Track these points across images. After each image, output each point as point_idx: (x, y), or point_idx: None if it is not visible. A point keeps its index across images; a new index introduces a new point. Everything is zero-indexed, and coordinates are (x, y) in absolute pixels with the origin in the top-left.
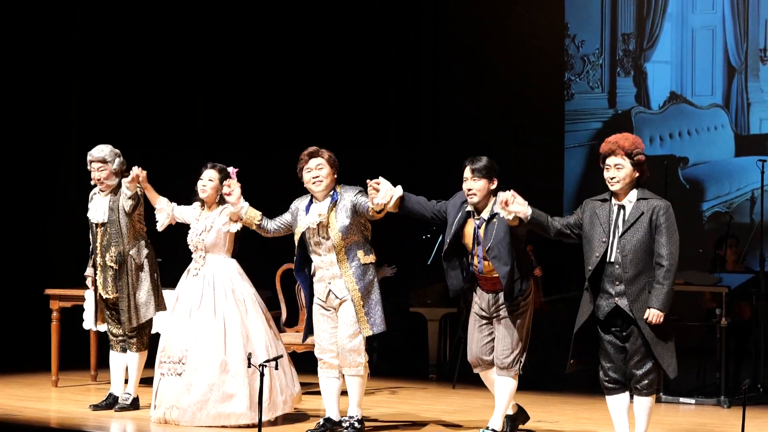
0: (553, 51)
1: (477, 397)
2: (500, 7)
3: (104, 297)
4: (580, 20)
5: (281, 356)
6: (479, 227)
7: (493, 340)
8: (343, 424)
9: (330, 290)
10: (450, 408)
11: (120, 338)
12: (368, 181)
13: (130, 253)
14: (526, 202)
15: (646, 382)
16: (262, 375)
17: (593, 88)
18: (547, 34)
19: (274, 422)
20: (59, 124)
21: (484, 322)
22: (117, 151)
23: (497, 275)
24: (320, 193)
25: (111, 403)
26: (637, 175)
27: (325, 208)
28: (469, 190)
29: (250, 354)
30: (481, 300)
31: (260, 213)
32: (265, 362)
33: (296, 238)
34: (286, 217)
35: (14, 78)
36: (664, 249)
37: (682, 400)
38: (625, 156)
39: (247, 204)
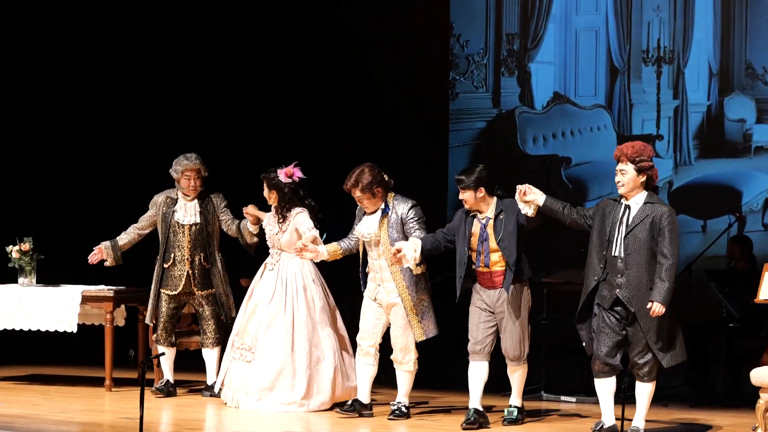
0: (437, 50)
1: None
2: (385, 5)
3: (195, 292)
4: (464, 20)
5: (163, 354)
6: (485, 225)
7: (495, 332)
8: (392, 407)
9: (378, 291)
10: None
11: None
12: (393, 253)
13: (218, 254)
14: (540, 191)
15: (646, 369)
16: (143, 370)
17: (477, 87)
18: (432, 34)
19: (329, 409)
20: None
21: (487, 315)
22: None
23: (500, 269)
24: (369, 210)
25: (167, 389)
26: (643, 179)
27: (375, 222)
28: (463, 200)
29: (132, 351)
30: (483, 296)
31: (335, 244)
32: (147, 358)
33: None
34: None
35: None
36: (666, 249)
37: (563, 398)
38: (628, 162)
39: (325, 250)
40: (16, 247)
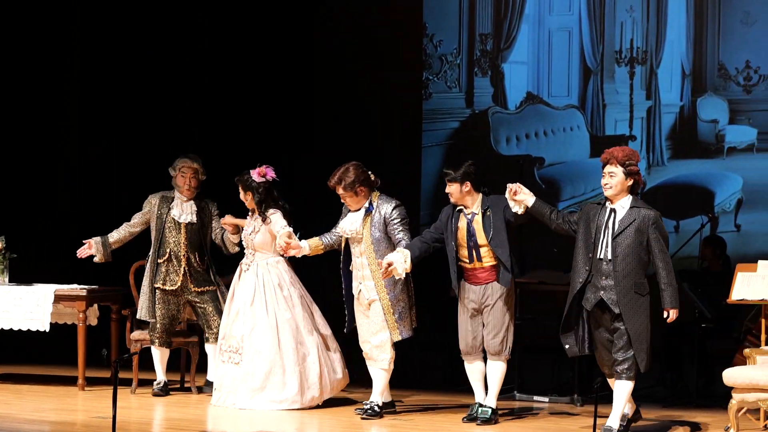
0: (410, 50)
1: None
2: (358, 4)
3: (193, 290)
4: (437, 20)
5: (135, 353)
6: (471, 221)
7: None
8: (365, 406)
9: (360, 289)
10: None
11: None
12: (384, 267)
13: (208, 257)
14: (530, 192)
15: (625, 366)
16: (116, 369)
17: (451, 87)
18: (405, 34)
19: (319, 406)
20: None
21: (475, 313)
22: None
23: (488, 266)
24: (352, 208)
25: (166, 389)
26: (630, 183)
27: (359, 220)
28: (448, 193)
29: (104, 350)
30: (470, 293)
31: (317, 239)
32: (119, 358)
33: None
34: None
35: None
36: (659, 258)
37: (536, 398)
38: (618, 164)
39: (306, 245)
40: None
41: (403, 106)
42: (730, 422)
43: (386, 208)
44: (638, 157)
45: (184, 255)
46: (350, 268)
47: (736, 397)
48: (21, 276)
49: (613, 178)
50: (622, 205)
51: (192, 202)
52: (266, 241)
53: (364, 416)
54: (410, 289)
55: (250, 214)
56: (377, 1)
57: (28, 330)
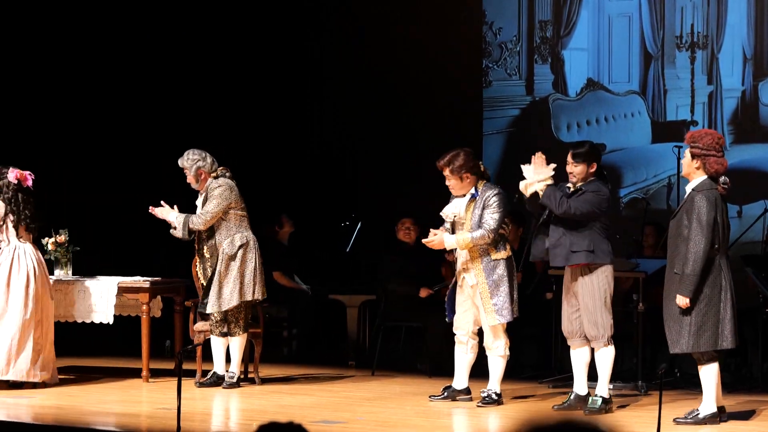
0: (470, 38)
1: (396, 383)
2: None
3: (202, 283)
4: (497, 8)
5: (199, 345)
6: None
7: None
8: (482, 394)
9: (464, 276)
10: (369, 394)
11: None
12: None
13: (223, 244)
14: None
15: None
16: (180, 360)
17: (511, 75)
18: (465, 22)
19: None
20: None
21: (572, 300)
22: (195, 157)
23: None
24: (455, 193)
25: (215, 381)
26: (697, 165)
27: (463, 205)
28: (570, 173)
29: (168, 341)
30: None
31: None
32: (182, 349)
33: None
34: None
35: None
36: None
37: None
38: (689, 146)
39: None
40: (52, 239)
41: (463, 93)
42: None
43: (488, 193)
44: (709, 140)
45: (197, 246)
46: (451, 258)
47: None
48: (85, 269)
49: (684, 159)
50: (691, 186)
51: (203, 195)
52: None
53: (480, 404)
54: (511, 273)
55: None
56: None
57: (93, 322)
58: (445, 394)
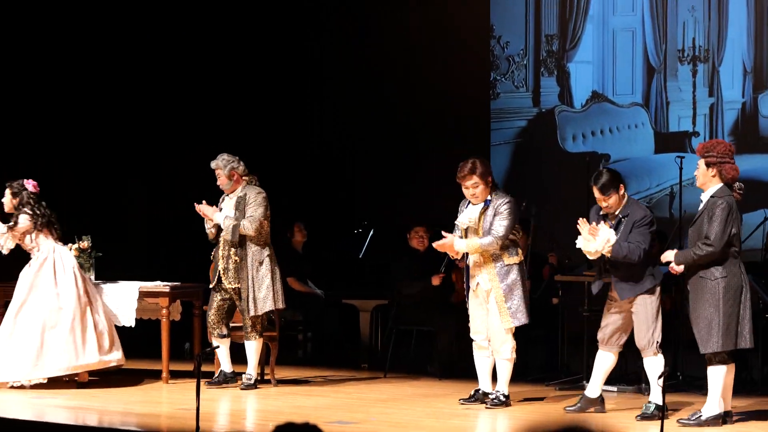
0: (478, 51)
1: (407, 385)
2: (427, 8)
3: (225, 286)
4: (504, 22)
5: (217, 347)
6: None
7: (622, 324)
8: (491, 396)
9: (478, 282)
10: (382, 395)
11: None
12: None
13: (253, 249)
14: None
15: None
16: (199, 363)
17: (518, 87)
18: (473, 35)
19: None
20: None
21: (617, 307)
22: (229, 158)
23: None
24: (478, 200)
25: (222, 379)
26: (714, 173)
27: (477, 212)
28: (606, 206)
29: (187, 344)
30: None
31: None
32: (203, 351)
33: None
34: None
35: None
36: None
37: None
38: (700, 157)
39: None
40: (75, 245)
41: (471, 105)
42: None
43: (500, 201)
44: (722, 148)
45: (223, 250)
46: (463, 264)
47: None
48: (107, 274)
49: (698, 169)
50: (708, 193)
51: (234, 198)
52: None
53: (488, 405)
54: (523, 278)
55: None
56: (446, 5)
57: (115, 326)
58: (475, 396)
